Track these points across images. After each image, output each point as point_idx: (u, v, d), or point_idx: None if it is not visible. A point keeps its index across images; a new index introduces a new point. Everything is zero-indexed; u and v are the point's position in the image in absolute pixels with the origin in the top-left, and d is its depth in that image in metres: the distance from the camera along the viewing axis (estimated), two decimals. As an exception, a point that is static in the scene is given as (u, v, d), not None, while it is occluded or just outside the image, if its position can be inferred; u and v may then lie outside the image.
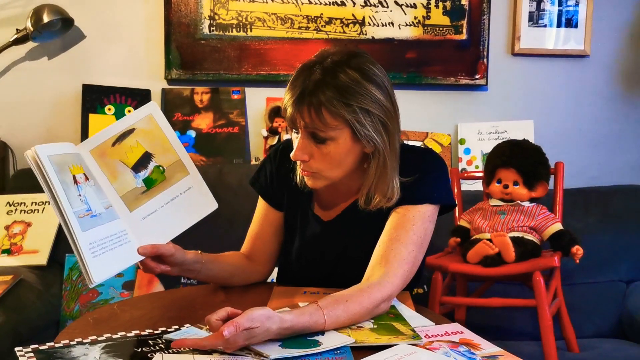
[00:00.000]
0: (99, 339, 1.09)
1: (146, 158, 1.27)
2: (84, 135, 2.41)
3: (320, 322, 1.09)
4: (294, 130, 1.30)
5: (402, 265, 1.25)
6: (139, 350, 1.05)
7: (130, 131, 1.27)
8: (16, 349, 1.04)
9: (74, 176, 1.15)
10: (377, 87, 1.26)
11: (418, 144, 2.46)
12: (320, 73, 1.24)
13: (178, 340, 1.05)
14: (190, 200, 1.30)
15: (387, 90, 1.29)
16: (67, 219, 1.10)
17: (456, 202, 1.47)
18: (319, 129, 1.24)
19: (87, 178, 1.18)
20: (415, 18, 2.51)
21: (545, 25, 2.55)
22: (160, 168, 1.28)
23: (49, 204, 2.24)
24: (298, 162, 1.33)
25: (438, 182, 1.36)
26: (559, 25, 2.55)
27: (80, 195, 1.14)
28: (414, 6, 2.51)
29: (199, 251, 1.37)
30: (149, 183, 1.27)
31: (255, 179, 1.53)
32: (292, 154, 1.30)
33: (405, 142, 1.45)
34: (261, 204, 1.52)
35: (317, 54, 1.31)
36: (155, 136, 1.28)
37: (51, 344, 1.07)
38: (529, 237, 1.82)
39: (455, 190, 2.01)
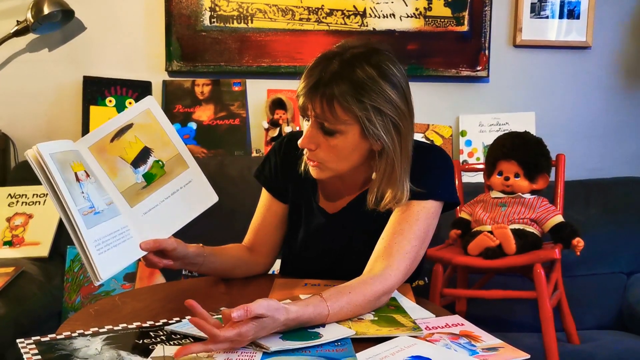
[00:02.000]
0: (101, 330, 1.10)
1: (145, 153, 1.27)
2: (85, 127, 2.41)
3: (324, 314, 1.10)
4: (305, 118, 1.30)
5: (404, 259, 1.25)
6: (141, 341, 1.05)
7: (129, 126, 1.26)
8: (18, 340, 1.04)
9: (75, 173, 1.15)
10: (393, 86, 1.24)
11: (419, 136, 2.46)
12: (338, 65, 1.23)
13: (182, 349, 0.94)
14: (191, 194, 1.30)
15: (404, 91, 1.27)
16: (72, 217, 1.09)
17: (459, 201, 1.47)
18: (329, 122, 1.24)
19: (87, 175, 1.18)
20: (416, 9, 2.50)
21: (547, 17, 2.54)
22: (160, 162, 1.28)
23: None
24: (305, 151, 1.33)
25: (443, 179, 1.36)
26: (561, 17, 2.54)
27: (82, 192, 1.14)
28: (416, -3, 2.50)
29: (201, 244, 1.37)
30: (149, 178, 1.27)
31: (259, 171, 1.52)
32: (299, 141, 1.29)
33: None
34: (265, 195, 1.52)
35: (339, 44, 1.29)
36: (153, 131, 1.28)
37: (53, 335, 1.07)
38: (530, 229, 1.82)
39: (457, 182, 2.02)
